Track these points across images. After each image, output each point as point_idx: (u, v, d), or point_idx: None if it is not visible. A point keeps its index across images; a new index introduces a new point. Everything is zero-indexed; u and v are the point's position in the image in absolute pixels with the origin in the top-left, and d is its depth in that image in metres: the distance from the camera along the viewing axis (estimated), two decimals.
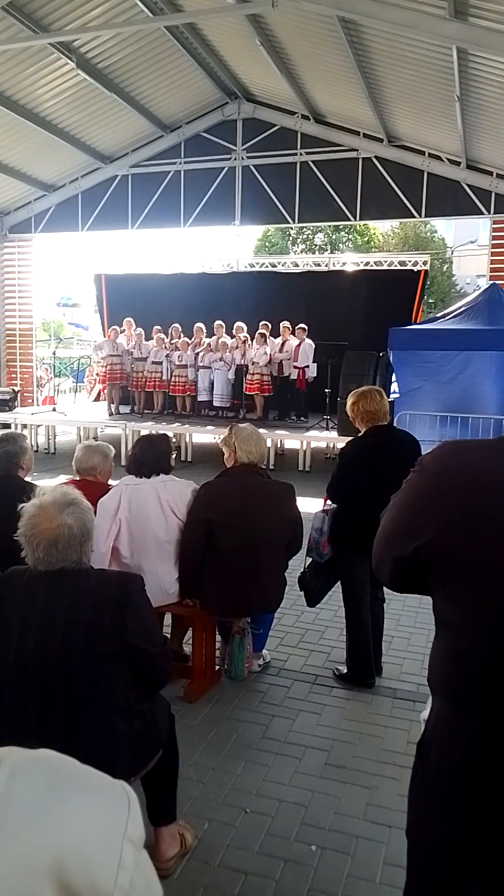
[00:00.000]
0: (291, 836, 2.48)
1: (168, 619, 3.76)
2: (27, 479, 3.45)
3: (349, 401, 3.69)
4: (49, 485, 2.53)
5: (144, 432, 11.55)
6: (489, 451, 1.12)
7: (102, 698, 1.94)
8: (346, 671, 3.68)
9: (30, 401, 14.46)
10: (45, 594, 1.94)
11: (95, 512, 2.20)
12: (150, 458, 3.44)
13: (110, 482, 3.70)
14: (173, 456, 3.58)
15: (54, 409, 12.54)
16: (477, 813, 1.07)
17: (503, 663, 1.04)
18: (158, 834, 2.28)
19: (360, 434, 3.66)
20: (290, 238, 28.34)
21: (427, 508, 1.13)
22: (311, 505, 4.97)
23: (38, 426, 11.98)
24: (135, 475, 3.43)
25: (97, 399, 14.64)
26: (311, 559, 3.74)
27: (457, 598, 1.11)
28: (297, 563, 3.85)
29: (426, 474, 1.17)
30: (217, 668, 3.68)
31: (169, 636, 3.72)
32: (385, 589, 3.82)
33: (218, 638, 3.73)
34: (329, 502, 3.72)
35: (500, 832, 1.05)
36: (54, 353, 14.76)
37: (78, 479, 3.57)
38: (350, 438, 3.78)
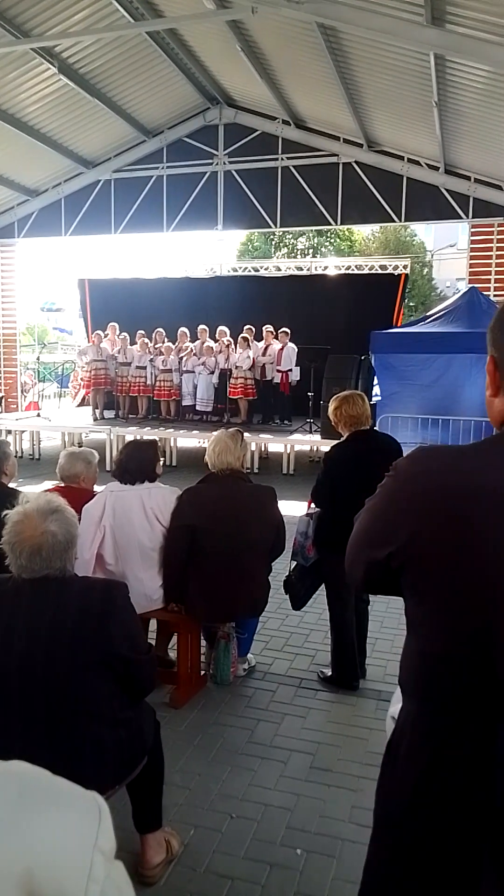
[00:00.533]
0: (277, 840, 2.49)
1: (153, 624, 3.76)
2: (10, 485, 3.44)
3: (331, 405, 3.71)
4: (33, 491, 2.53)
5: (129, 437, 11.53)
6: (464, 456, 1.13)
7: (87, 706, 1.94)
8: (330, 674, 3.70)
9: (14, 406, 14.37)
10: (29, 602, 1.93)
11: (80, 519, 2.20)
12: (135, 464, 3.44)
13: (95, 487, 3.70)
14: (160, 463, 3.57)
15: (38, 415, 12.46)
16: (445, 812, 1.09)
17: (471, 666, 1.06)
18: (144, 841, 2.28)
19: (343, 438, 3.69)
20: (273, 243, 28.41)
21: (399, 513, 1.14)
22: (295, 508, 4.99)
23: (23, 432, 11.91)
24: (119, 481, 3.43)
25: (81, 404, 14.58)
26: (296, 563, 3.76)
27: (428, 601, 1.12)
28: (282, 567, 3.87)
29: (400, 479, 1.17)
30: (202, 672, 3.68)
31: (154, 642, 3.72)
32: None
33: (203, 643, 3.74)
34: (313, 506, 3.74)
35: (468, 831, 1.06)
36: (38, 359, 14.68)
37: (62, 485, 3.56)
38: (334, 443, 3.81)
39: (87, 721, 1.94)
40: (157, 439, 3.89)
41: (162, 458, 3.63)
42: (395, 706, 1.27)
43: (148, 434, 10.34)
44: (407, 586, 1.15)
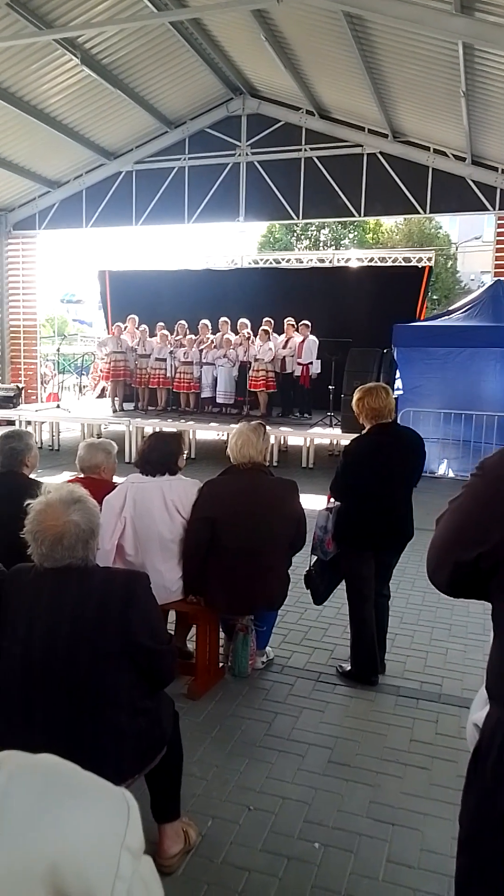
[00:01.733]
0: (295, 833, 2.48)
1: (172, 616, 3.77)
2: (31, 476, 3.45)
3: (355, 396, 3.68)
4: (53, 482, 2.53)
5: (148, 429, 11.57)
6: None
7: (107, 695, 1.94)
8: (349, 668, 3.68)
9: (34, 397, 14.49)
10: (51, 591, 1.94)
11: (101, 509, 2.20)
12: (157, 456, 3.44)
13: (115, 479, 3.71)
14: (183, 456, 3.56)
15: (58, 406, 12.54)
16: None
17: None
18: (162, 831, 2.29)
19: (364, 431, 3.65)
20: (295, 234, 28.25)
21: (491, 513, 1.10)
22: (314, 502, 4.97)
23: (42, 423, 12.00)
24: (140, 472, 3.44)
25: (101, 396, 14.64)
26: (316, 557, 3.74)
27: None
28: (301, 561, 3.85)
29: (488, 478, 1.14)
30: (221, 665, 3.68)
31: (173, 633, 3.73)
32: (390, 585, 3.82)
33: (221, 635, 3.74)
34: (332, 500, 3.72)
35: None
36: (58, 350, 14.75)
37: (82, 476, 3.57)
38: (354, 436, 3.77)
39: (108, 710, 1.94)
40: (181, 432, 3.86)
41: (185, 453, 3.61)
42: (479, 713, 1.23)
43: (167, 426, 10.35)
44: (497, 589, 1.12)
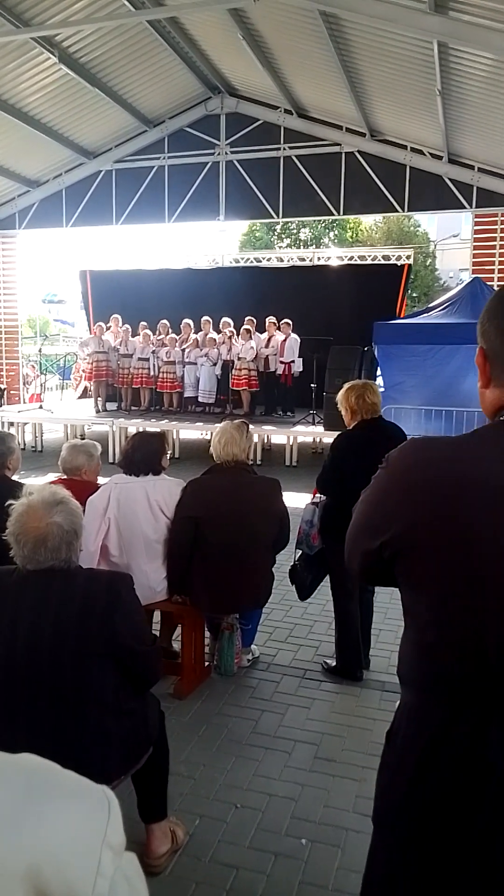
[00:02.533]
0: (282, 830, 2.50)
1: (157, 616, 3.77)
2: (14, 478, 3.43)
3: (349, 394, 3.66)
4: (36, 483, 2.52)
5: (132, 429, 11.51)
6: (456, 447, 1.14)
7: (92, 697, 1.94)
8: (334, 664, 3.71)
9: (16, 398, 14.37)
10: (34, 594, 1.94)
11: (84, 511, 2.20)
12: (140, 456, 3.44)
13: (100, 479, 3.70)
14: (167, 455, 3.56)
15: (41, 407, 12.46)
16: (441, 802, 1.10)
17: (463, 655, 1.07)
18: (149, 831, 2.29)
19: (351, 427, 3.68)
20: (276, 233, 28.28)
21: (392, 504, 1.15)
22: (298, 499, 4.98)
23: (25, 424, 11.92)
24: (124, 472, 3.43)
25: (83, 396, 14.57)
26: (301, 552, 3.77)
27: (421, 591, 1.13)
28: (285, 558, 3.87)
29: (392, 470, 1.18)
30: (206, 664, 3.69)
31: (158, 633, 3.73)
32: None
33: (207, 634, 3.74)
34: (318, 495, 3.74)
35: (464, 821, 1.07)
36: (40, 351, 14.66)
37: (65, 478, 3.56)
38: (339, 432, 3.80)
39: (93, 712, 1.94)
40: (165, 432, 3.86)
41: (169, 452, 3.61)
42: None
43: (151, 426, 10.33)
44: (400, 576, 1.16)
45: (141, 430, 10.81)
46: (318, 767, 2.88)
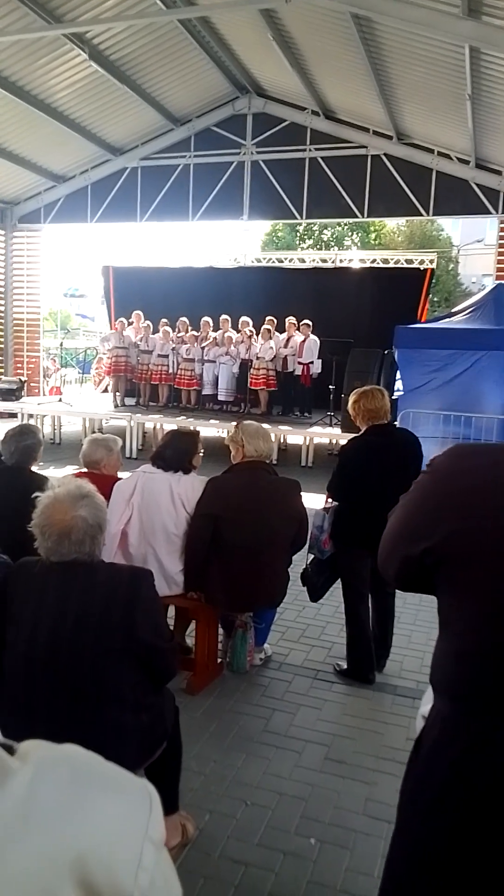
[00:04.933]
0: (291, 829, 2.51)
1: (171, 611, 3.79)
2: (34, 469, 3.47)
3: (350, 399, 3.71)
4: (56, 476, 2.55)
5: (149, 425, 11.56)
6: (501, 454, 1.14)
7: (111, 691, 1.96)
8: (346, 667, 3.71)
9: (36, 391, 14.49)
10: (57, 586, 1.96)
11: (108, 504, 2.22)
12: (170, 452, 3.49)
13: (119, 474, 3.73)
14: (199, 455, 3.59)
15: (60, 400, 12.55)
16: (470, 813, 1.09)
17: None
18: None
19: (360, 433, 3.69)
20: (298, 234, 28.24)
21: (437, 510, 1.14)
22: (313, 500, 4.98)
23: (44, 416, 12.01)
24: (153, 465, 3.49)
25: (105, 391, 14.67)
26: (312, 556, 3.78)
27: (462, 599, 1.12)
28: (299, 558, 3.88)
29: (437, 476, 1.18)
30: (219, 661, 3.71)
31: (172, 628, 3.75)
32: None
33: (220, 631, 3.76)
34: (330, 500, 3.75)
35: (493, 833, 1.06)
36: (61, 344, 14.77)
37: (85, 471, 3.59)
38: (351, 436, 3.80)
39: (111, 706, 1.96)
40: (198, 432, 3.90)
41: (202, 452, 3.64)
42: (427, 706, 1.27)
43: (168, 422, 10.37)
44: (441, 584, 1.15)
45: (158, 425, 10.88)
46: (329, 768, 2.89)
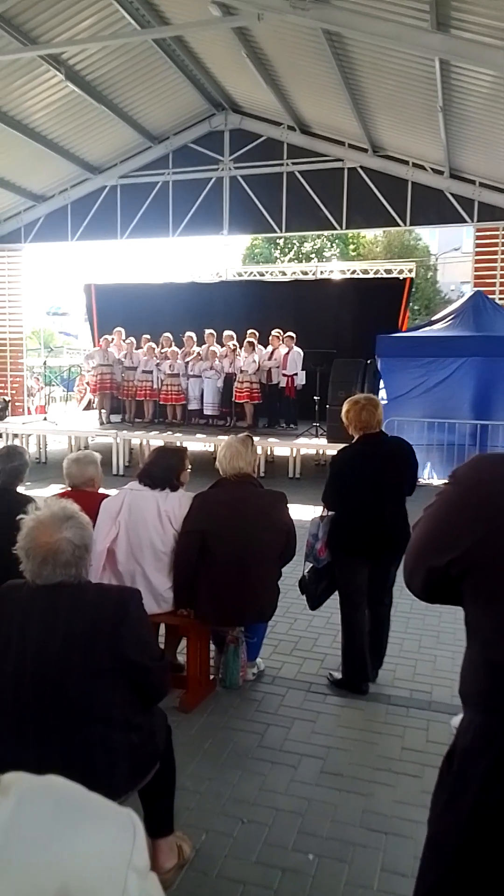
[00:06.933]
0: (289, 845, 2.49)
1: (162, 629, 3.77)
2: (20, 490, 3.46)
3: (343, 408, 3.73)
4: (40, 495, 2.54)
5: (135, 441, 11.53)
6: None
7: (100, 712, 1.94)
8: (340, 677, 3.70)
9: (20, 410, 14.42)
10: (43, 608, 1.94)
11: (94, 522, 2.21)
12: (158, 470, 3.49)
13: (106, 491, 3.73)
14: (187, 472, 3.58)
15: (45, 419, 12.51)
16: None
17: None
18: (156, 846, 2.28)
19: (351, 442, 3.71)
20: (278, 247, 28.44)
21: (462, 520, 1.14)
22: (301, 512, 4.99)
23: (29, 435, 11.95)
24: (139, 483, 3.48)
25: (87, 408, 14.63)
26: (310, 563, 3.78)
27: (492, 608, 1.11)
28: (291, 571, 3.87)
29: (460, 487, 1.18)
30: (212, 677, 3.69)
31: (163, 646, 3.73)
32: (393, 594, 3.84)
33: (212, 647, 3.74)
34: (327, 511, 3.76)
35: None
36: (45, 363, 14.73)
37: (71, 490, 3.57)
38: (343, 445, 3.82)
39: (101, 727, 1.94)
40: (185, 448, 3.89)
41: (189, 469, 3.64)
42: (458, 717, 1.26)
43: (154, 438, 10.36)
44: (468, 594, 1.15)
45: (145, 442, 10.85)
46: (325, 782, 2.87)
